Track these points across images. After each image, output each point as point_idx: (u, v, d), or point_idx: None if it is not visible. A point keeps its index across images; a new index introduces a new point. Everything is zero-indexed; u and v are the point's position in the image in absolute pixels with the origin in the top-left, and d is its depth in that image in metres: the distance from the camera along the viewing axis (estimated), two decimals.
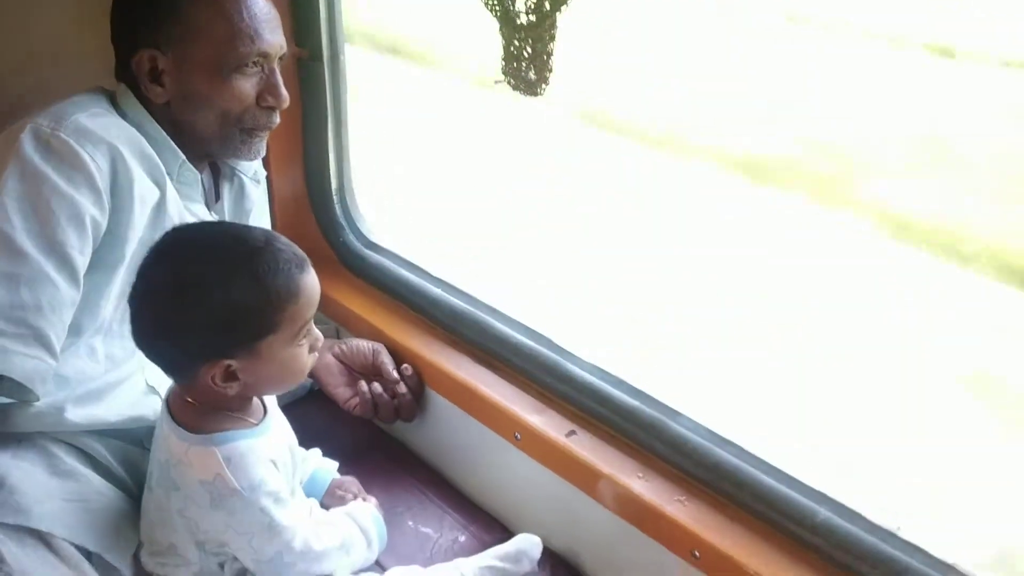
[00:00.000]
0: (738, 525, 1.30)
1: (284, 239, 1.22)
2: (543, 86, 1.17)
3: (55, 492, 1.24)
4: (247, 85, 1.37)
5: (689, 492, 1.36)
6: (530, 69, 1.16)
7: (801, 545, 1.25)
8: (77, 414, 1.29)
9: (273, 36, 1.38)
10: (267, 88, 1.39)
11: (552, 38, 1.13)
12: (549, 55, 1.14)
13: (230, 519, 1.20)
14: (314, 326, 1.23)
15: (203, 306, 1.13)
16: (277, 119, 1.44)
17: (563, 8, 1.10)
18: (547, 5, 1.09)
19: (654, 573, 1.38)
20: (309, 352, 1.24)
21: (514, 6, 1.13)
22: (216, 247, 1.17)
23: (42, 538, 1.20)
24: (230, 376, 1.17)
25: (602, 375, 1.51)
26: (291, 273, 1.16)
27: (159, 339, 1.18)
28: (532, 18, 1.12)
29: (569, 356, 1.56)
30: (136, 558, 1.29)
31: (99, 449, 1.33)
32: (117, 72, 1.41)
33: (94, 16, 1.48)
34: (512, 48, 1.15)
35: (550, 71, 1.16)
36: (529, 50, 1.15)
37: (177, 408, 1.24)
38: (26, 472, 1.24)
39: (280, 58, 1.41)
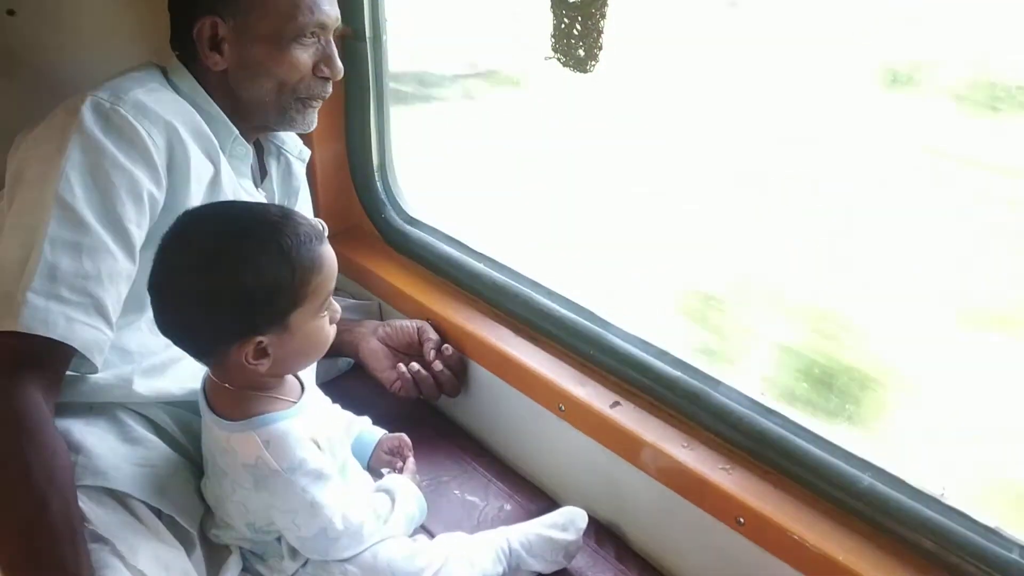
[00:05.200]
0: (782, 492, 1.32)
1: (299, 213, 1.24)
2: (592, 63, 1.19)
3: (128, 457, 1.28)
4: (304, 55, 1.40)
5: (733, 461, 1.38)
6: (580, 46, 1.18)
7: (845, 511, 1.28)
8: (144, 386, 1.32)
9: (331, 8, 1.41)
10: (323, 59, 1.42)
11: (603, 16, 1.15)
12: (599, 33, 1.16)
13: (273, 499, 1.23)
14: (332, 299, 1.25)
15: (233, 285, 1.13)
16: (330, 89, 1.46)
17: None
18: None
19: (699, 540, 1.41)
20: (330, 323, 1.26)
21: None
22: (239, 225, 1.17)
23: (119, 500, 1.24)
24: (261, 353, 1.18)
25: (644, 346, 1.54)
26: (313, 245, 1.17)
27: (189, 323, 1.19)
28: None
29: (611, 328, 1.59)
30: (203, 525, 1.32)
31: (164, 418, 1.36)
32: (172, 43, 1.43)
33: None
34: (562, 25, 1.16)
35: (599, 48, 1.18)
36: (579, 28, 1.17)
37: (215, 397, 1.26)
38: (99, 438, 1.27)
39: (336, 30, 1.44)
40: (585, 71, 1.19)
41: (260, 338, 1.17)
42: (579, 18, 1.16)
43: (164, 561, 1.21)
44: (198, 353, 1.25)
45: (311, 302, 1.19)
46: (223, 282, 1.13)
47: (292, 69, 1.39)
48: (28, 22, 1.60)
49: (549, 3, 1.17)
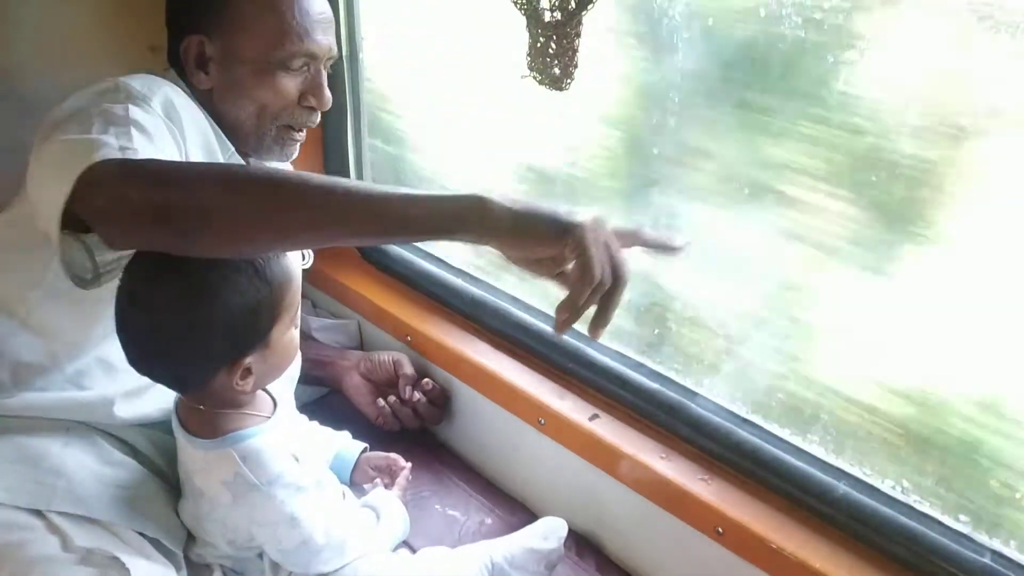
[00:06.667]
0: (760, 501, 1.34)
1: None
2: (568, 81, 1.21)
3: (108, 480, 1.27)
4: (291, 83, 1.36)
5: (712, 471, 1.40)
6: (555, 64, 1.20)
7: (821, 519, 1.30)
8: (124, 409, 1.31)
9: (324, 37, 1.36)
10: (311, 88, 1.38)
11: (578, 35, 1.17)
12: (575, 51, 1.18)
13: (253, 513, 1.22)
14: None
15: (219, 313, 1.11)
16: (317, 119, 1.42)
17: (589, 7, 1.14)
18: (572, 4, 1.13)
19: (679, 550, 1.42)
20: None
21: (539, 4, 1.17)
22: None
23: (104, 525, 1.23)
24: (246, 373, 1.18)
25: (622, 359, 1.56)
26: (280, 259, 1.16)
27: (175, 359, 1.16)
28: (558, 16, 1.16)
29: (589, 341, 1.60)
30: (185, 546, 1.32)
31: (142, 441, 1.35)
32: (169, 58, 1.40)
33: (120, 13, 1.50)
34: (538, 44, 1.18)
35: (575, 67, 1.20)
36: (555, 46, 1.19)
37: (187, 418, 1.25)
38: (79, 462, 1.26)
39: (328, 59, 1.40)
40: (561, 89, 1.21)
41: (248, 360, 1.17)
42: (554, 37, 1.18)
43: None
44: (178, 384, 1.23)
45: (286, 315, 1.19)
46: (208, 312, 1.11)
47: (276, 96, 1.36)
48: (7, 43, 1.60)
49: (525, 22, 1.19)
